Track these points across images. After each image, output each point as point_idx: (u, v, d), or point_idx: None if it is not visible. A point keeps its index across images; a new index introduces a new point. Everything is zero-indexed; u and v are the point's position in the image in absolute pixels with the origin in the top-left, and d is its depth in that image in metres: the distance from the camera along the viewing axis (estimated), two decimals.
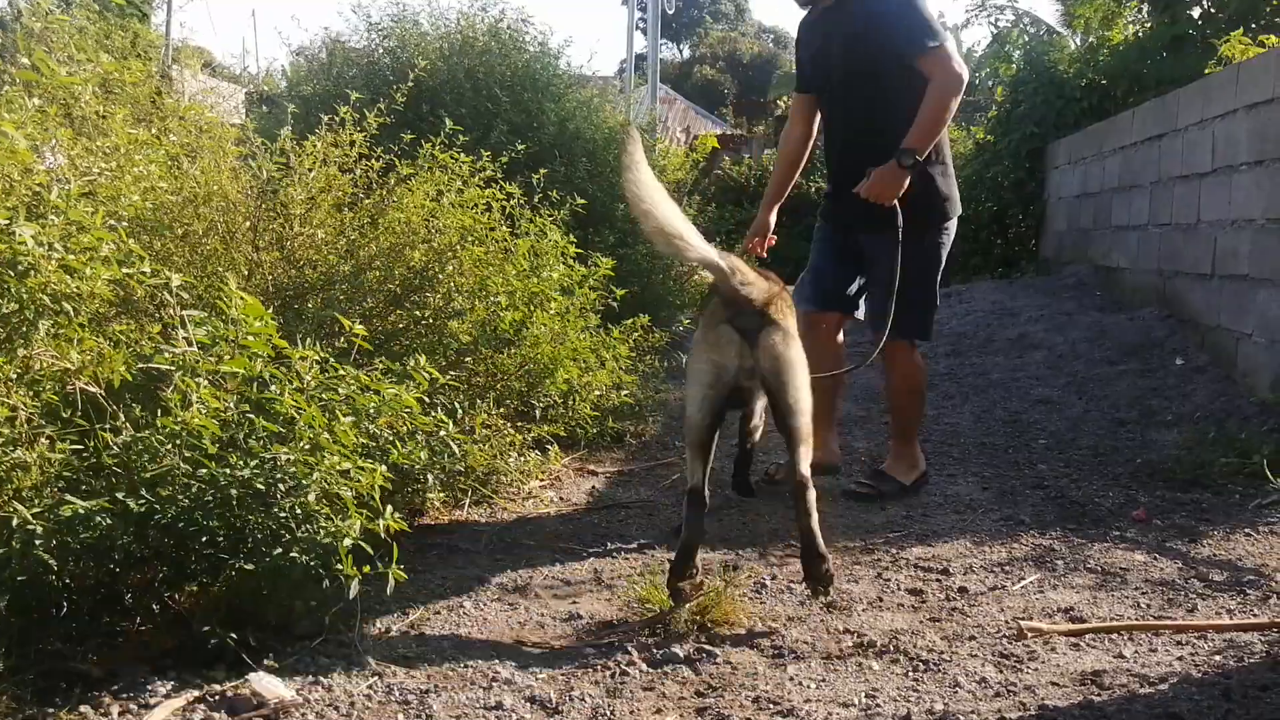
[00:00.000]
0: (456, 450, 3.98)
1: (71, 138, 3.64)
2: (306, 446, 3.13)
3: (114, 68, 4.32)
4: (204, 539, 3.07)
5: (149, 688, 2.87)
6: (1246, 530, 4.48)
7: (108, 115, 3.81)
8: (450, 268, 4.74)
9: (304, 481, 3.11)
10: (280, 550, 3.13)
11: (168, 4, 20.24)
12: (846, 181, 4.91)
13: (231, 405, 3.11)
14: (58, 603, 2.96)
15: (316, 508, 3.13)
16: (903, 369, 5.16)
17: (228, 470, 3.03)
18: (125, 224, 3.54)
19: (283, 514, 3.12)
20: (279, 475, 3.10)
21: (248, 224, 4.06)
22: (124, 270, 3.18)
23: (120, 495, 2.93)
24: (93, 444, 3.05)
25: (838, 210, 5.20)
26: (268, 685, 2.90)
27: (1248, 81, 6.93)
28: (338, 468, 3.16)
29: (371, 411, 3.43)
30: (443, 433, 3.77)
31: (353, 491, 3.17)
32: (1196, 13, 12.17)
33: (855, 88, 4.94)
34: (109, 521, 2.88)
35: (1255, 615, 3.57)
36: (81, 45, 4.32)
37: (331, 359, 3.41)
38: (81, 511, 2.82)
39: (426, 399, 3.72)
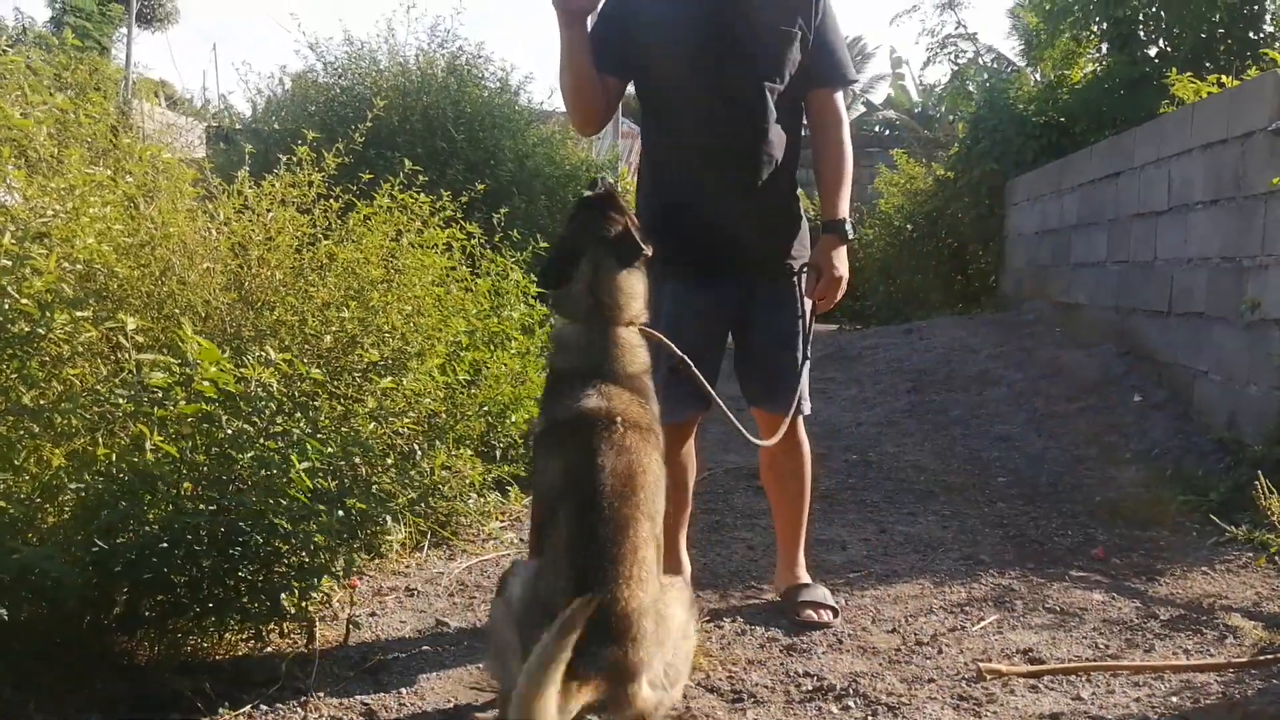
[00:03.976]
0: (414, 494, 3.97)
1: (26, 179, 3.61)
2: (263, 491, 3.11)
3: (69, 105, 4.29)
4: (159, 584, 3.04)
5: None
6: (1203, 569, 4.50)
7: (63, 158, 3.78)
8: (410, 308, 4.71)
9: (260, 526, 3.09)
10: (236, 595, 3.11)
11: (128, 37, 20.21)
12: (723, 217, 3.73)
13: (187, 450, 3.09)
14: (7, 651, 2.92)
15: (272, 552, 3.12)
16: (803, 449, 4.07)
17: (184, 516, 3.01)
18: (81, 265, 3.51)
19: (239, 559, 3.10)
20: (235, 520, 3.08)
21: (205, 265, 4.04)
22: (78, 314, 3.16)
23: (73, 549, 2.90)
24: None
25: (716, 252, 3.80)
26: None
27: (1202, 122, 7.02)
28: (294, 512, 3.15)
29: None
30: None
31: (310, 536, 3.15)
32: (1153, 52, 12.31)
33: (752, 90, 3.72)
34: (58, 571, 2.85)
35: (1212, 655, 3.59)
36: (35, 86, 4.29)
37: (287, 402, 3.40)
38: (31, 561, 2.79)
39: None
